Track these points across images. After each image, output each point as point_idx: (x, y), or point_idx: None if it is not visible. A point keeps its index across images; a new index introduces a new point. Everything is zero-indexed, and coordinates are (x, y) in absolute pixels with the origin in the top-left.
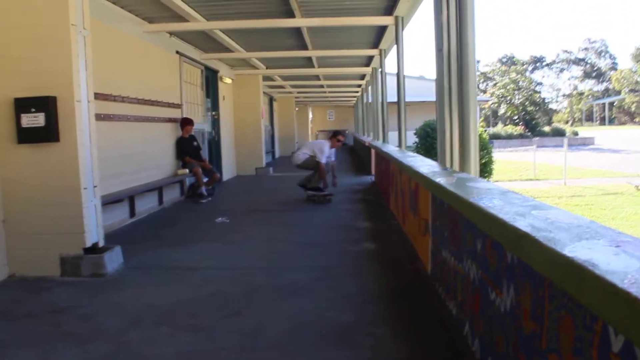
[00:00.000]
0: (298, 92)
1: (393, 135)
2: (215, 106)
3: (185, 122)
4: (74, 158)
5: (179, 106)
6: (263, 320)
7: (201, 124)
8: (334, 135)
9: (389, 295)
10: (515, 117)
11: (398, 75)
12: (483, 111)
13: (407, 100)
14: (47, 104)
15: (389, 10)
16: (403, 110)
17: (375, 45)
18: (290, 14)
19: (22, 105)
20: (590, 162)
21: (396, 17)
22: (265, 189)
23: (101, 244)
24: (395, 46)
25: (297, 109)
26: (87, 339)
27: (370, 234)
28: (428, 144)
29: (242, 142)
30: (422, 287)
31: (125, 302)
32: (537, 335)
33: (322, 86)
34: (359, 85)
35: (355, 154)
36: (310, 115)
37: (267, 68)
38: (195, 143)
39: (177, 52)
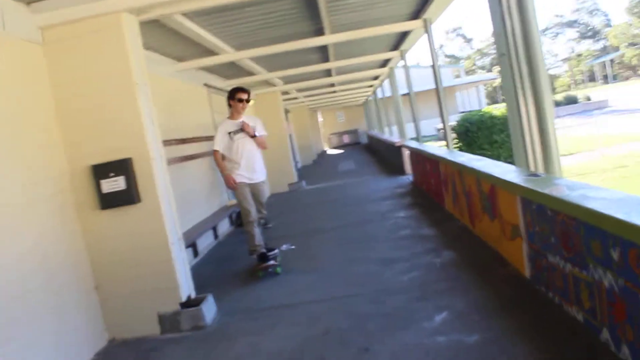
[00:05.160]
0: (310, 101)
1: (412, 127)
2: None
3: None
4: (158, 215)
5: (213, 138)
6: (395, 354)
7: None
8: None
9: (499, 306)
10: None
11: (434, 71)
12: (485, 88)
13: (418, 90)
14: (125, 167)
15: (416, 14)
16: (446, 113)
17: (396, 47)
18: (320, 32)
19: (100, 171)
20: (613, 127)
21: (424, 20)
22: (307, 205)
23: (193, 295)
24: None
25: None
26: None
27: (443, 241)
28: (469, 139)
29: (271, 160)
30: (527, 293)
31: (244, 353)
32: None
33: (334, 91)
34: (371, 86)
35: (375, 153)
36: (320, 119)
37: (284, 84)
38: None
39: (205, 85)
